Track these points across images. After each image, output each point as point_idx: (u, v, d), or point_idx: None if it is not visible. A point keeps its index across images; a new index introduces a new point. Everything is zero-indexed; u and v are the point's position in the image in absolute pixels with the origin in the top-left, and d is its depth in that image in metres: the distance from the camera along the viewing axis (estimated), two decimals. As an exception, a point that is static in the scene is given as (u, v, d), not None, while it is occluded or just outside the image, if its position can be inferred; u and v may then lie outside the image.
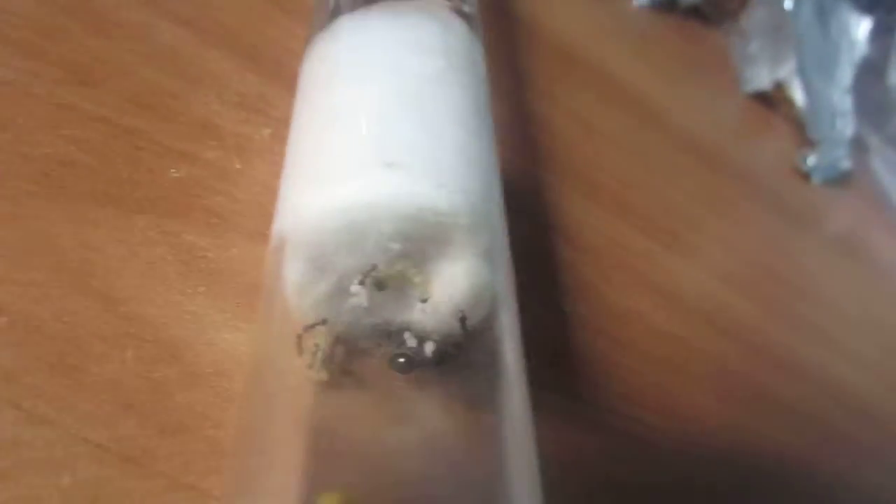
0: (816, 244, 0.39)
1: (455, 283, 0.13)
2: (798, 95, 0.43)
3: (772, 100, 0.45)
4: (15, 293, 0.13)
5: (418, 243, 0.13)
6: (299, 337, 0.13)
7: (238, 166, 0.19)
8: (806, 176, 0.42)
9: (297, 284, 0.13)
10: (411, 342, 0.13)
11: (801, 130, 0.44)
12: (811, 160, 0.41)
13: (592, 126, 0.32)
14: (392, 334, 0.13)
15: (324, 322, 0.13)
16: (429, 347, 0.13)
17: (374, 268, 0.13)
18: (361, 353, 0.13)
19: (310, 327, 0.13)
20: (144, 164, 0.17)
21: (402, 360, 0.13)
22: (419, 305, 0.13)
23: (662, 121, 0.36)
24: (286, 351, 0.12)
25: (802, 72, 0.42)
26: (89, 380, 0.13)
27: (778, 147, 0.44)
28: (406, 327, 0.13)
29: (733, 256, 0.32)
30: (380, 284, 0.13)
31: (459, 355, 0.13)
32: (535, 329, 0.17)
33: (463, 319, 0.13)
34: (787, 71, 0.43)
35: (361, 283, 0.13)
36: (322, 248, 0.13)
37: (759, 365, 0.28)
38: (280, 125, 0.21)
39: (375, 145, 0.14)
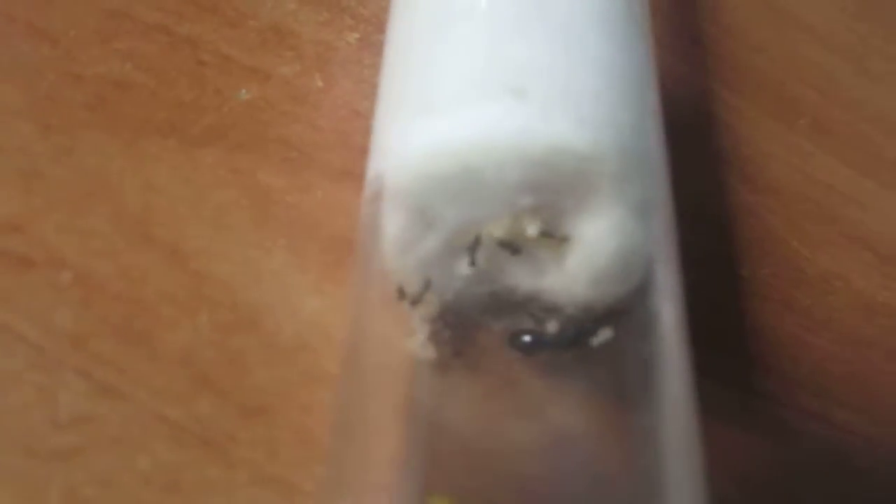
0: None
1: (598, 244, 0.14)
2: None
3: None
4: (76, 244, 0.15)
5: (552, 194, 0.13)
6: (400, 306, 0.14)
7: (319, 84, 0.20)
8: None
9: (398, 241, 0.14)
10: (538, 317, 0.14)
11: None
12: None
13: (786, 13, 0.30)
14: (514, 306, 0.14)
15: (429, 287, 0.14)
16: (554, 325, 0.14)
17: (494, 224, 0.14)
18: (476, 328, 0.14)
19: (413, 294, 0.14)
20: (209, 83, 0.19)
21: (525, 338, 0.14)
22: (551, 271, 0.14)
23: (884, 6, 0.34)
24: (385, 323, 0.14)
25: None
26: (161, 348, 0.15)
27: None
28: (532, 298, 0.14)
29: None
30: (502, 244, 0.14)
31: (600, 335, 0.14)
32: (700, 300, 0.18)
33: (607, 291, 0.14)
34: None
35: (477, 242, 0.14)
36: (429, 198, 0.13)
37: None
38: (370, 28, 0.22)
39: (497, 66, 0.14)
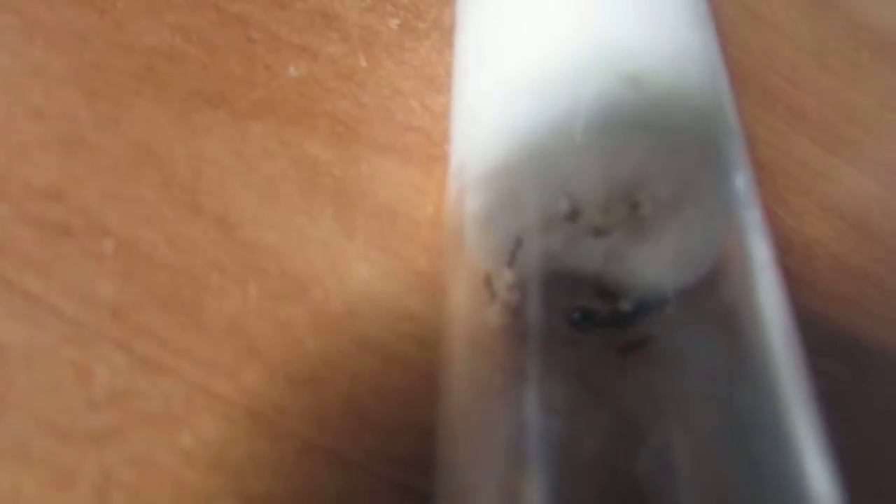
0: None
1: (683, 232, 0.09)
2: None
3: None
4: (122, 211, 0.11)
5: (653, 180, 0.09)
6: (487, 284, 0.09)
7: (364, 64, 0.15)
8: None
9: (480, 221, 0.09)
10: (606, 297, 0.09)
11: None
12: None
13: (760, 15, 0.25)
14: (585, 286, 0.09)
15: (512, 264, 0.09)
16: (608, 305, 0.09)
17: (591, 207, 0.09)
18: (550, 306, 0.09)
19: (495, 271, 0.09)
20: (259, 59, 0.14)
21: (577, 315, 0.09)
22: (628, 255, 0.09)
23: (841, 8, 0.28)
24: (474, 301, 0.09)
25: None
26: (208, 319, 0.10)
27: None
28: (601, 279, 0.09)
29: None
30: (591, 227, 0.09)
31: (662, 321, 0.09)
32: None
33: (679, 277, 0.09)
34: None
35: (574, 216, 0.09)
36: (515, 179, 0.09)
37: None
38: (410, 16, 0.17)
39: (608, 52, 0.09)
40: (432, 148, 0.15)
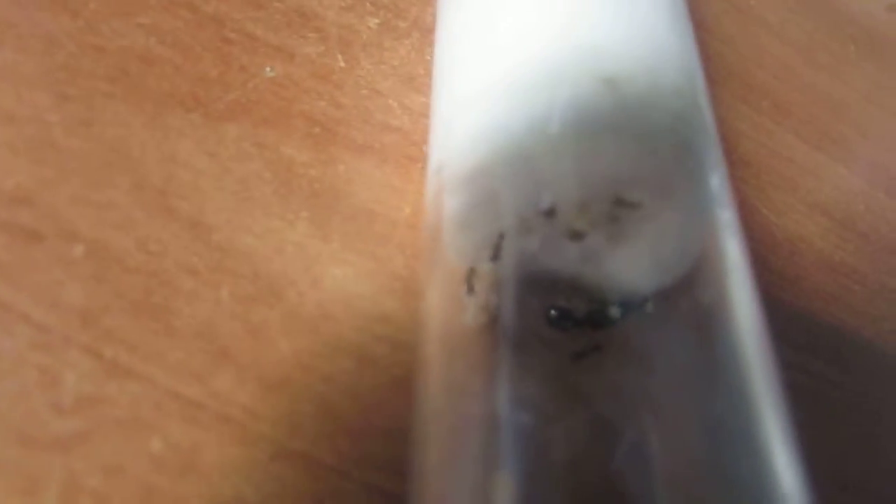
0: None
1: (660, 234, 0.09)
2: None
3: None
4: (91, 217, 0.11)
5: (630, 183, 0.09)
6: (465, 285, 0.09)
7: (342, 64, 0.15)
8: None
9: (458, 222, 0.09)
10: (586, 297, 0.09)
11: None
12: None
13: (747, 11, 0.25)
14: (562, 287, 0.09)
15: (488, 263, 0.09)
16: (585, 305, 0.09)
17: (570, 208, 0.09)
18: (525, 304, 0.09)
19: (470, 271, 0.09)
20: (235, 60, 0.14)
21: (554, 313, 0.09)
22: (604, 258, 0.09)
23: (828, 3, 0.28)
24: (450, 302, 0.09)
25: None
26: (179, 322, 0.10)
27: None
28: (578, 280, 0.09)
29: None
30: (568, 230, 0.09)
31: (639, 321, 0.09)
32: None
33: (656, 279, 0.09)
34: None
35: (549, 218, 0.09)
36: (492, 181, 0.09)
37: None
38: (390, 15, 0.17)
39: (584, 54, 0.09)
40: (410, 148, 0.15)
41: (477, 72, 0.11)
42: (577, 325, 0.09)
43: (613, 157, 0.09)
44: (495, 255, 0.09)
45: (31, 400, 0.09)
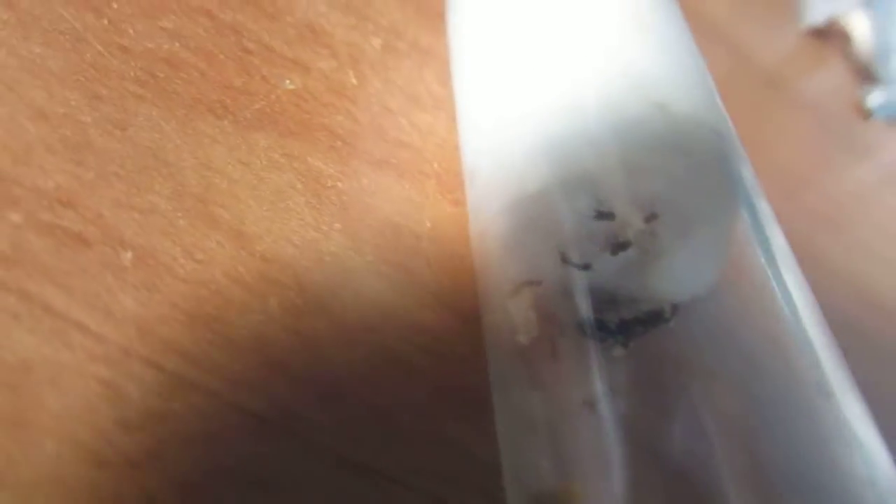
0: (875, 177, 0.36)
1: (696, 249, 0.10)
2: (858, 31, 0.40)
3: (828, 34, 0.41)
4: (137, 222, 0.10)
5: (674, 202, 0.10)
6: (510, 300, 0.10)
7: (354, 81, 0.15)
8: (867, 113, 0.39)
9: (511, 240, 0.10)
10: (623, 307, 0.10)
11: (859, 66, 0.40)
12: (875, 97, 0.38)
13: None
14: (602, 299, 0.10)
15: (538, 283, 0.10)
16: (617, 315, 0.10)
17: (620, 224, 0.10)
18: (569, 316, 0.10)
19: (516, 284, 0.10)
20: (256, 71, 0.14)
21: (594, 323, 0.10)
22: (640, 269, 0.10)
23: (721, 36, 0.32)
24: (504, 319, 0.10)
25: (871, 4, 0.39)
26: (234, 334, 0.10)
27: (835, 82, 0.40)
28: (615, 292, 0.10)
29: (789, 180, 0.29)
30: (613, 243, 0.10)
31: (673, 330, 0.10)
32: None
33: (690, 289, 0.10)
34: (848, 3, 0.39)
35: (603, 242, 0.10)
36: (548, 199, 0.10)
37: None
38: (390, 35, 0.17)
39: (635, 77, 0.10)
40: (423, 164, 0.15)
41: (530, 95, 0.11)
42: (613, 335, 0.10)
43: (664, 173, 0.10)
44: (550, 271, 0.10)
45: (98, 415, 0.08)
